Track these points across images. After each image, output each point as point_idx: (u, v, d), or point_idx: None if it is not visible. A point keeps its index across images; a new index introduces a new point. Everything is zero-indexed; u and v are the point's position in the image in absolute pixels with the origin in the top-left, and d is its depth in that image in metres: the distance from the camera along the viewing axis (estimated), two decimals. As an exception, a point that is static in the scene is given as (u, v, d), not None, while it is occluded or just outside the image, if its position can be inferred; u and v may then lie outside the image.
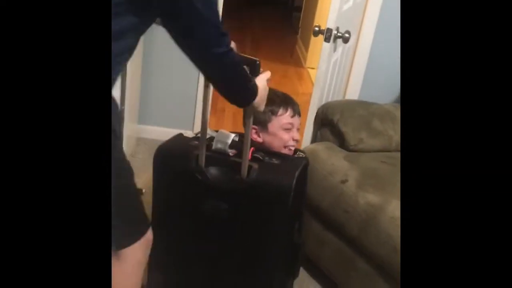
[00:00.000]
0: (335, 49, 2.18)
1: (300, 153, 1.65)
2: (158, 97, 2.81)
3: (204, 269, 1.52)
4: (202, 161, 1.37)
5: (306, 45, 5.04)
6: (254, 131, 1.57)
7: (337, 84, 2.50)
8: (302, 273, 1.99)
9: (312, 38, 4.20)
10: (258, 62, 1.23)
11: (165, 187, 1.48)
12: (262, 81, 1.25)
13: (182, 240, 1.52)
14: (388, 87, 2.68)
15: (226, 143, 1.39)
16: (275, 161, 1.42)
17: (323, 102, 2.23)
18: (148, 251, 1.27)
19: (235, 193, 1.38)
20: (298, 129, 1.63)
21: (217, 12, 1.02)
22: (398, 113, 2.15)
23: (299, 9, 6.18)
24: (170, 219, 1.50)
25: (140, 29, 1.04)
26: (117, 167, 1.05)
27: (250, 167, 1.36)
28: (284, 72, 4.83)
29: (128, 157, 2.77)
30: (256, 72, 1.24)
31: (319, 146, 1.98)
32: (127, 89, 2.34)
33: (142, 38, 1.13)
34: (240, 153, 1.36)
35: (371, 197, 1.68)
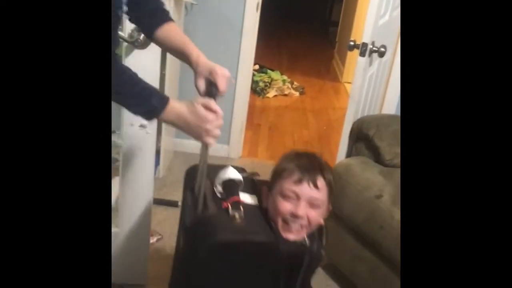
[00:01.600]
0: (370, 64, 2.17)
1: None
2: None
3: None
4: (200, 192, 1.24)
5: (343, 59, 5.03)
6: (265, 192, 1.25)
7: (373, 98, 2.48)
8: (337, 289, 1.97)
9: (349, 52, 4.20)
10: (214, 88, 1.17)
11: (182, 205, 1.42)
12: (191, 102, 1.11)
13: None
14: (425, 101, 2.64)
15: (221, 180, 1.24)
16: (241, 220, 1.15)
17: (359, 116, 2.22)
18: None
19: (186, 229, 1.25)
20: (314, 205, 1.16)
21: None
22: (435, 128, 2.12)
23: (335, 23, 6.18)
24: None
25: None
26: None
27: (206, 206, 1.19)
28: (321, 86, 4.83)
29: (165, 171, 2.83)
30: (211, 95, 1.17)
31: (354, 161, 1.97)
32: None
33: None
34: (247, 189, 1.26)
35: (407, 213, 1.65)
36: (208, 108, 1.11)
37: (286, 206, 1.15)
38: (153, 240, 2.07)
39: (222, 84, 1.18)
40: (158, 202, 2.31)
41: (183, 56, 1.25)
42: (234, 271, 1.13)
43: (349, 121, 2.19)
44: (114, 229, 1.74)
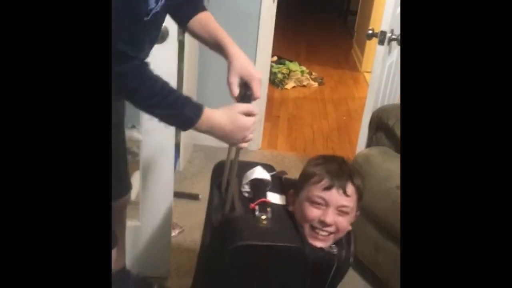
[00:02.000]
0: (389, 52, 2.14)
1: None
2: (215, 103, 2.86)
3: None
4: (222, 188, 1.27)
5: (362, 49, 4.97)
6: (291, 195, 1.22)
7: (393, 87, 2.45)
8: (359, 281, 1.97)
9: (368, 41, 4.15)
10: (249, 92, 1.13)
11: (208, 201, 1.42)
12: (231, 111, 1.09)
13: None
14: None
15: (249, 179, 1.24)
16: (268, 223, 1.13)
17: (378, 105, 2.20)
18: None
19: (212, 227, 1.25)
20: (343, 212, 1.12)
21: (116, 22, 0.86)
22: (457, 116, 2.08)
23: (354, 13, 6.11)
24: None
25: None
26: None
27: (233, 208, 1.17)
28: (340, 76, 4.79)
29: (185, 164, 2.84)
30: (246, 99, 1.13)
31: (374, 151, 1.95)
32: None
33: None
34: (275, 188, 1.25)
35: (429, 203, 1.63)
36: (248, 114, 1.10)
37: (314, 213, 1.11)
38: (174, 233, 2.09)
39: (257, 90, 1.14)
40: (179, 195, 2.33)
41: (217, 47, 1.20)
42: (258, 274, 1.12)
43: (368, 111, 2.17)
44: (135, 223, 1.77)
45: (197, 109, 1.07)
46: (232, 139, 1.11)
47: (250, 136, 1.12)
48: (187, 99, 1.08)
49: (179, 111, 1.06)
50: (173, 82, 1.57)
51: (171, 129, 1.66)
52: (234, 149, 1.19)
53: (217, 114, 1.09)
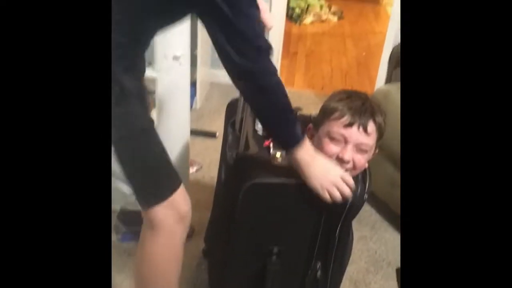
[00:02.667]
0: (412, -17, 2.05)
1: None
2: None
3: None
4: (236, 126, 1.30)
5: (384, -20, 4.77)
6: (309, 129, 1.21)
7: (415, 20, 2.37)
8: (375, 216, 2.00)
9: (390, -28, 3.97)
10: (262, 24, 1.07)
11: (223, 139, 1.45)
12: (322, 159, 1.07)
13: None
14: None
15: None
16: (282, 160, 1.15)
17: (400, 40, 2.13)
18: (184, 223, 1.16)
19: (227, 165, 1.27)
20: (361, 150, 1.11)
21: (249, 22, 0.94)
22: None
23: None
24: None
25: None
26: (135, 127, 1.05)
27: (247, 146, 1.18)
28: (360, 10, 4.63)
29: (202, 102, 2.84)
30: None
31: (393, 87, 1.91)
32: (199, 33, 2.38)
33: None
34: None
35: (448, 139, 1.61)
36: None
37: (332, 149, 1.10)
38: (193, 170, 2.13)
39: (269, 20, 1.09)
40: (196, 133, 2.34)
41: None
42: (273, 212, 1.12)
43: (389, 46, 2.12)
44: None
45: (302, 131, 1.05)
46: (328, 182, 1.05)
47: (337, 194, 1.06)
48: (296, 119, 1.06)
49: (293, 127, 1.04)
50: (186, 41, 1.57)
51: (187, 67, 1.65)
52: None
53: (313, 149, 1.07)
